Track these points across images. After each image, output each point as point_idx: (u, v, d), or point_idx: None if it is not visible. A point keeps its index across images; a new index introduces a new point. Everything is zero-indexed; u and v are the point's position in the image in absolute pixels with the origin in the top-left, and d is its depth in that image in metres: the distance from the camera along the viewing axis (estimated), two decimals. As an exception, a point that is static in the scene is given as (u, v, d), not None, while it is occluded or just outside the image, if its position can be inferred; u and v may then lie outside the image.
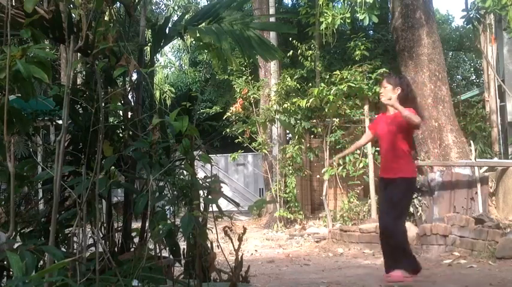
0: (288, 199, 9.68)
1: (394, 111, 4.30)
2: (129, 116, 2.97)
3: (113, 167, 2.57)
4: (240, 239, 3.03)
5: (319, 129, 9.33)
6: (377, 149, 8.44)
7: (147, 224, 2.61)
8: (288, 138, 11.34)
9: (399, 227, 4.19)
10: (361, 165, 8.49)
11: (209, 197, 2.67)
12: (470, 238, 5.66)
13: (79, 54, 3.00)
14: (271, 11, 10.57)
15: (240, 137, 10.74)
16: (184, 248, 2.76)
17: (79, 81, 4.88)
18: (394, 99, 4.21)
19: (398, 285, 4.13)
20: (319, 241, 7.70)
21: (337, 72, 8.81)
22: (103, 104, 2.43)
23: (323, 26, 8.94)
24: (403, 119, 4.14)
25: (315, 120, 9.44)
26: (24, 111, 2.50)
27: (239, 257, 3.01)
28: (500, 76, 11.02)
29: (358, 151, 8.64)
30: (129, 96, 3.09)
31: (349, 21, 8.95)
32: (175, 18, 15.01)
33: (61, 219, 2.57)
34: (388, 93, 4.30)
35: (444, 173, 7.26)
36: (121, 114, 3.10)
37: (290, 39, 10.47)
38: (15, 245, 2.08)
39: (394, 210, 4.19)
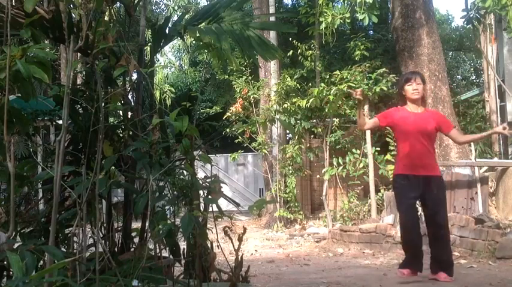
0: (288, 199, 9.68)
1: (419, 109, 4.30)
2: (129, 116, 2.97)
3: (113, 167, 2.57)
4: (240, 239, 3.03)
5: (319, 129, 9.33)
6: (377, 149, 8.45)
7: (147, 224, 2.61)
8: (288, 138, 11.34)
9: (447, 223, 4.25)
10: (361, 165, 8.49)
11: (209, 197, 2.67)
12: (470, 238, 5.65)
13: (79, 54, 3.00)
14: (271, 10, 10.57)
15: (240, 137, 10.74)
16: (184, 248, 2.76)
17: (79, 81, 4.89)
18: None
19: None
20: (319, 241, 7.70)
21: (337, 72, 8.81)
22: (103, 104, 2.43)
23: (323, 26, 8.94)
24: (440, 119, 4.29)
25: (315, 120, 9.44)
26: (24, 111, 2.50)
27: (239, 257, 3.01)
28: (500, 76, 11.02)
29: (358, 151, 8.64)
30: (129, 96, 3.10)
31: (349, 21, 8.95)
32: (175, 18, 15.02)
33: (61, 219, 2.57)
34: (422, 91, 4.29)
35: (444, 173, 7.26)
36: (121, 114, 3.10)
37: (290, 39, 10.47)
38: (15, 245, 2.08)
39: (444, 207, 4.21)
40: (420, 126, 4.22)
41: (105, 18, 2.82)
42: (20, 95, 2.18)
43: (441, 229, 4.20)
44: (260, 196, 14.22)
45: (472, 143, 7.76)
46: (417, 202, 4.33)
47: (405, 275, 4.21)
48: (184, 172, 2.72)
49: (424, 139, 4.19)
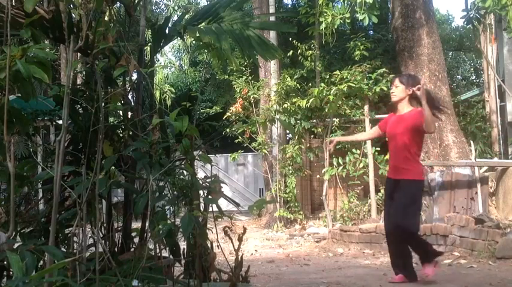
0: (288, 199, 9.68)
1: (402, 112, 4.21)
2: (129, 116, 2.97)
3: (113, 167, 2.57)
4: (240, 239, 3.03)
5: (319, 129, 9.33)
6: (377, 149, 8.46)
7: (147, 224, 2.61)
8: (288, 138, 11.34)
9: (410, 227, 4.10)
10: (361, 165, 8.49)
11: (209, 197, 2.67)
12: (470, 238, 5.65)
13: (79, 54, 3.00)
14: (271, 10, 10.56)
15: (240, 137, 10.74)
16: (184, 248, 2.77)
17: (79, 81, 4.89)
18: (423, 98, 3.97)
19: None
20: (319, 241, 7.70)
21: (337, 72, 8.81)
22: (103, 104, 2.43)
23: (323, 26, 8.94)
24: (418, 120, 4.03)
25: (315, 120, 9.44)
26: (24, 111, 2.50)
27: (239, 257, 3.01)
28: (500, 76, 11.02)
29: (358, 151, 8.64)
30: (129, 96, 3.10)
31: (349, 21, 8.95)
32: (175, 18, 15.03)
33: (61, 219, 2.57)
34: (400, 93, 4.18)
35: (444, 173, 7.27)
36: (121, 114, 3.10)
37: (290, 39, 10.47)
38: (15, 245, 2.08)
39: (404, 212, 4.09)
40: (395, 129, 4.23)
41: (105, 18, 2.82)
42: (20, 95, 2.18)
43: (391, 234, 4.15)
44: (260, 196, 14.22)
45: (472, 143, 7.77)
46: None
47: (396, 281, 4.19)
48: (184, 172, 2.71)
49: (399, 141, 4.16)
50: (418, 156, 4.23)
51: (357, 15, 8.69)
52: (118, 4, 3.25)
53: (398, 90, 4.21)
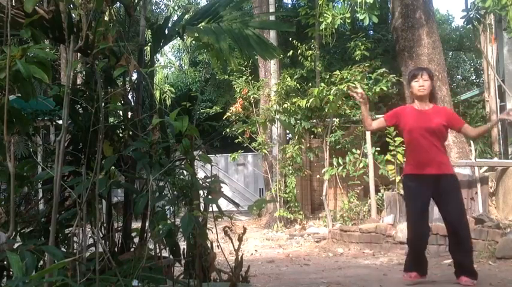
0: (288, 199, 9.68)
1: (427, 106, 4.16)
2: (129, 116, 2.97)
3: (113, 167, 2.57)
4: (240, 239, 3.03)
5: (319, 129, 9.33)
6: (377, 149, 8.45)
7: (147, 224, 2.61)
8: (288, 138, 11.34)
9: (467, 223, 4.09)
10: (361, 165, 8.49)
11: (209, 197, 2.67)
12: (470, 238, 5.65)
13: (79, 54, 3.00)
14: (271, 10, 10.56)
15: (240, 137, 10.74)
16: (184, 248, 2.77)
17: (79, 81, 4.89)
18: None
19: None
20: (319, 241, 7.70)
21: (337, 72, 8.80)
22: (103, 104, 2.43)
23: (323, 26, 8.94)
24: (450, 116, 4.17)
25: (315, 120, 9.44)
26: (24, 111, 2.50)
27: (239, 257, 3.01)
28: (500, 76, 11.02)
29: (358, 151, 8.64)
30: (129, 96, 3.10)
31: (349, 21, 8.94)
32: (175, 18, 15.02)
33: (61, 219, 2.57)
34: (429, 87, 4.12)
35: (444, 173, 7.26)
36: (121, 114, 3.10)
37: (290, 39, 10.47)
38: (15, 245, 2.08)
39: (459, 208, 4.01)
40: (425, 123, 4.07)
41: (105, 18, 2.82)
42: (20, 95, 2.18)
43: (457, 233, 4.03)
44: (260, 196, 14.21)
45: (472, 143, 7.76)
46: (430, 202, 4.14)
47: (412, 278, 4.17)
48: (184, 172, 2.71)
49: (430, 136, 4.03)
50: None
51: (357, 15, 8.69)
52: (118, 4, 3.25)
53: (427, 84, 4.11)
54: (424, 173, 4.03)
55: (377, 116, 9.07)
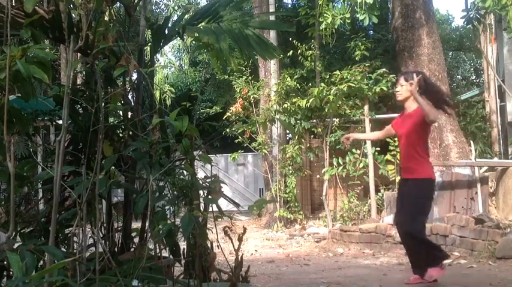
0: (288, 199, 9.68)
1: (409, 110, 4.18)
2: (129, 116, 2.97)
3: (113, 167, 2.57)
4: (240, 239, 3.03)
5: (319, 129, 9.33)
6: (377, 149, 8.46)
7: (147, 224, 2.61)
8: (288, 138, 11.34)
9: (417, 227, 4.07)
10: (361, 165, 8.49)
11: (209, 197, 2.67)
12: (470, 238, 5.65)
13: (79, 54, 3.00)
14: (271, 9, 10.56)
15: (240, 137, 10.73)
16: (184, 248, 2.76)
17: (79, 81, 4.89)
18: (416, 92, 3.99)
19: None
20: (319, 241, 7.70)
21: (337, 72, 8.80)
22: (103, 104, 2.43)
23: (323, 26, 8.94)
24: (420, 114, 3.99)
25: (315, 120, 9.44)
26: (24, 111, 2.50)
27: (239, 257, 3.01)
28: (500, 76, 11.02)
29: (358, 151, 8.64)
30: (129, 96, 3.10)
31: (349, 21, 8.95)
32: (175, 18, 15.02)
33: (61, 219, 2.57)
34: (405, 91, 4.12)
35: (444, 173, 7.27)
36: (121, 114, 3.10)
37: (290, 39, 10.47)
38: (15, 245, 2.08)
39: (409, 210, 4.06)
40: (401, 128, 4.22)
41: (105, 18, 2.82)
42: (20, 95, 2.18)
43: (403, 235, 4.11)
44: (260, 196, 14.21)
45: (472, 143, 7.76)
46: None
47: (411, 282, 4.16)
48: (184, 172, 2.71)
49: (405, 141, 4.15)
50: (426, 154, 4.16)
51: (357, 15, 8.69)
52: (118, 4, 3.25)
53: (403, 89, 4.15)
54: (402, 176, 4.30)
55: (377, 116, 9.09)
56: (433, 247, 4.22)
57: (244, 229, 3.11)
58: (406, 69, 8.65)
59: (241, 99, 11.04)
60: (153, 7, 17.64)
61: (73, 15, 2.72)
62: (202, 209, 2.67)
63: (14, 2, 2.64)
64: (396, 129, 4.36)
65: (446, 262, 5.24)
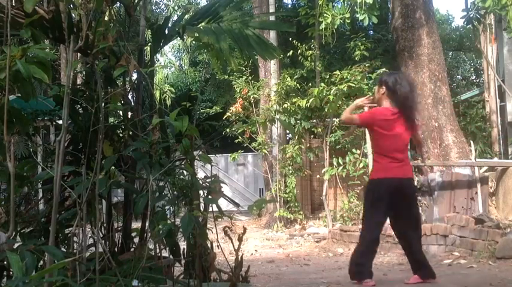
0: (288, 199, 9.68)
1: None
2: (129, 116, 2.97)
3: (113, 167, 2.57)
4: (240, 239, 3.03)
5: (319, 129, 9.33)
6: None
7: (147, 224, 2.61)
8: (288, 138, 11.34)
9: (363, 230, 4.17)
10: (361, 165, 8.48)
11: (209, 197, 2.67)
12: (470, 238, 5.65)
13: (79, 54, 3.00)
14: (271, 10, 10.56)
15: (240, 137, 10.73)
16: (184, 248, 2.76)
17: (79, 81, 4.89)
18: (363, 100, 4.33)
19: None
20: (319, 241, 7.70)
21: (337, 72, 8.80)
22: (103, 104, 2.43)
23: (323, 26, 8.94)
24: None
25: (315, 120, 9.44)
26: (24, 111, 2.50)
27: (239, 257, 3.01)
28: (500, 76, 11.02)
29: (358, 151, 8.64)
30: (129, 96, 3.10)
31: (349, 21, 8.94)
32: (175, 18, 15.02)
33: (61, 219, 2.57)
34: (376, 94, 4.15)
35: (444, 173, 7.27)
36: (121, 114, 3.10)
37: (290, 39, 10.47)
38: (15, 245, 2.08)
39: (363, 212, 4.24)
40: None
41: (105, 18, 2.82)
42: (20, 95, 2.18)
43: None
44: (260, 196, 14.21)
45: (472, 143, 7.76)
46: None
47: (410, 282, 4.17)
48: (184, 172, 2.71)
49: None
50: (377, 154, 4.15)
51: (357, 15, 8.69)
52: (118, 4, 3.25)
53: (376, 92, 4.22)
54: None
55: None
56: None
57: (244, 229, 3.11)
58: (406, 69, 8.65)
59: (241, 99, 11.04)
60: (153, 7, 17.65)
61: (73, 15, 2.72)
62: (202, 209, 2.67)
63: (14, 2, 2.64)
64: None
65: (446, 261, 5.25)
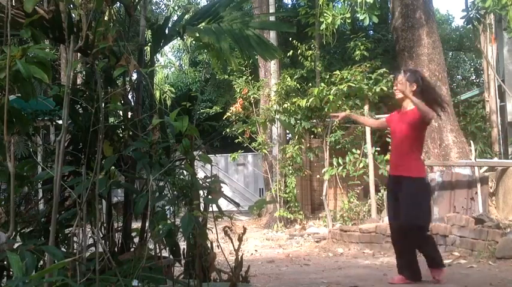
0: (288, 199, 9.68)
1: (406, 109, 4.18)
2: (129, 116, 2.97)
3: (113, 167, 2.57)
4: (240, 239, 3.03)
5: (319, 129, 9.33)
6: (377, 149, 8.46)
7: (147, 224, 2.61)
8: (288, 138, 11.34)
9: (413, 228, 4.03)
10: (361, 165, 8.49)
11: (209, 197, 2.67)
12: (470, 238, 5.65)
13: (79, 54, 3.00)
14: (271, 10, 10.56)
15: (240, 137, 10.74)
16: (184, 248, 2.76)
17: (79, 81, 4.89)
18: (409, 93, 4.03)
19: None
20: (319, 241, 7.70)
21: (337, 72, 8.80)
22: (103, 104, 2.43)
23: (323, 26, 8.94)
24: (417, 114, 4.01)
25: (315, 120, 9.44)
26: (24, 111, 2.50)
27: (239, 257, 3.01)
28: (500, 76, 11.02)
29: (358, 151, 8.64)
30: (129, 96, 3.10)
31: (349, 21, 8.95)
32: (175, 18, 15.02)
33: (61, 219, 2.57)
34: (404, 89, 4.07)
35: (444, 173, 7.27)
36: (121, 114, 3.10)
37: (290, 39, 10.47)
38: (15, 245, 2.08)
39: (408, 211, 4.03)
40: (397, 126, 4.25)
41: (105, 18, 2.82)
42: (20, 95, 2.18)
43: (401, 234, 4.10)
44: (260, 196, 14.21)
45: (472, 143, 7.76)
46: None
47: (395, 282, 4.18)
48: (184, 172, 2.71)
49: (400, 139, 4.18)
50: (420, 153, 4.18)
51: (357, 15, 8.69)
52: (118, 4, 3.25)
53: (401, 87, 4.11)
54: (392, 173, 4.31)
55: (377, 116, 9.07)
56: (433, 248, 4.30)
57: (244, 229, 3.11)
58: (405, 68, 8.63)
59: (241, 99, 11.04)
60: (153, 7, 17.65)
61: (73, 15, 2.72)
62: (202, 209, 2.67)
63: (14, 2, 2.63)
64: (391, 125, 4.38)
65: (446, 261, 5.25)
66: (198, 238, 2.60)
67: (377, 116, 8.87)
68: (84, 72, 3.11)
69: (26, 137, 3.29)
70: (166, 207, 2.53)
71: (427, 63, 8.61)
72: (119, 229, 2.95)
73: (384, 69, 8.65)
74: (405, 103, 4.21)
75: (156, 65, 8.61)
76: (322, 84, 8.87)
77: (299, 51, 9.86)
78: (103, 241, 2.64)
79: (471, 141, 8.00)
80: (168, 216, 2.50)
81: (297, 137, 9.65)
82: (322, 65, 10.05)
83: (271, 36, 10.16)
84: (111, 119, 3.26)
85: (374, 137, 8.85)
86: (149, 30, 3.47)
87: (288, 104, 9.31)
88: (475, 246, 5.52)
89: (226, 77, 11.66)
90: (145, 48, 3.46)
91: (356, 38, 9.42)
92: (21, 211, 3.12)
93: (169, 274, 2.63)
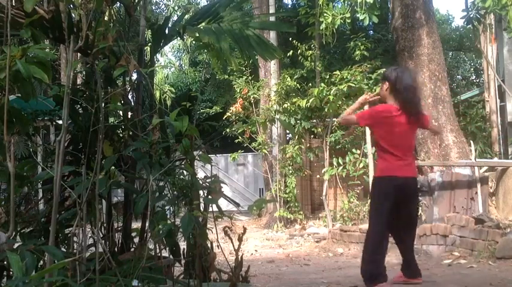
0: (288, 199, 9.68)
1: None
2: (129, 116, 2.97)
3: (113, 167, 2.57)
4: (240, 239, 3.03)
5: (319, 129, 9.33)
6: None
7: (147, 224, 2.61)
8: (288, 138, 11.34)
9: (369, 228, 3.99)
10: (361, 165, 8.49)
11: (209, 197, 2.67)
12: (470, 238, 5.65)
13: (79, 54, 3.00)
14: (271, 10, 10.57)
15: (240, 137, 10.74)
16: (184, 248, 2.76)
17: (79, 81, 4.89)
18: (369, 96, 4.18)
19: None
20: (319, 241, 7.70)
21: (337, 72, 8.80)
22: (103, 104, 2.43)
23: (323, 26, 8.94)
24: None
25: (315, 120, 9.44)
26: (24, 111, 2.50)
27: (239, 257, 3.01)
28: (500, 76, 11.02)
29: (358, 151, 8.64)
30: (129, 96, 3.10)
31: (349, 21, 8.94)
32: (175, 18, 15.01)
33: (61, 219, 2.57)
34: (380, 91, 4.04)
35: (444, 173, 7.26)
36: (121, 114, 3.10)
37: (290, 39, 10.47)
38: (15, 245, 2.08)
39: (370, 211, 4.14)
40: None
41: (105, 18, 2.82)
42: (20, 95, 2.18)
43: (407, 233, 4.14)
44: (260, 196, 14.21)
45: (472, 143, 7.76)
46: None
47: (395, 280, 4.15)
48: (184, 172, 2.71)
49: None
50: (382, 151, 4.02)
51: (357, 15, 8.69)
52: (118, 4, 3.25)
53: (380, 89, 4.10)
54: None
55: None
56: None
57: (244, 229, 3.11)
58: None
59: (241, 99, 11.05)
60: (153, 7, 17.66)
61: (73, 15, 2.72)
62: (202, 209, 2.67)
63: (14, 2, 2.64)
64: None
65: (446, 261, 5.24)
66: (198, 238, 2.60)
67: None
68: (84, 72, 3.11)
69: (26, 137, 3.29)
70: (166, 207, 2.53)
71: (427, 63, 8.60)
72: (119, 229, 2.95)
73: (384, 69, 8.63)
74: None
75: (156, 65, 8.61)
76: (322, 84, 8.87)
77: (299, 51, 9.86)
78: (103, 241, 2.64)
79: (471, 142, 7.99)
80: (168, 216, 2.50)
81: (297, 137, 9.65)
82: (322, 65, 10.04)
83: (271, 36, 10.16)
84: (111, 119, 3.26)
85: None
86: (149, 30, 3.47)
87: (288, 104, 9.31)
88: (475, 246, 5.52)
89: (226, 77, 11.66)
90: (145, 48, 3.46)
91: (356, 38, 9.42)
92: (21, 211, 3.12)
93: (169, 274, 2.63)
